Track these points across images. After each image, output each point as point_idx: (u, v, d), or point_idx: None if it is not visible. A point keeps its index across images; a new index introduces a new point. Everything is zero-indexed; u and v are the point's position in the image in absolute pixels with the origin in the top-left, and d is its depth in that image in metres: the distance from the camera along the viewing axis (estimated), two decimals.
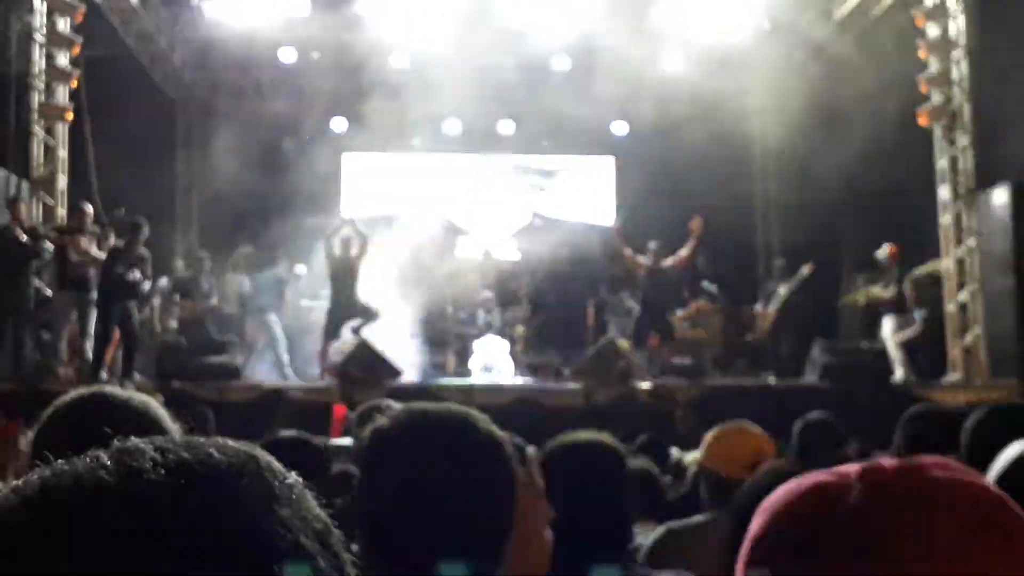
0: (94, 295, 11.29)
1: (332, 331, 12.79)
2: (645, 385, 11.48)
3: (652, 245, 13.89)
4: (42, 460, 1.45)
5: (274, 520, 0.65)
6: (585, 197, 19.13)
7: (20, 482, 0.64)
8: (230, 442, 0.69)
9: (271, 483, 0.67)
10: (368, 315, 12.77)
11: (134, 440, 0.67)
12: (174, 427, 1.72)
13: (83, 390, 1.75)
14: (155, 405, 1.72)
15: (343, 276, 13.05)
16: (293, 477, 0.69)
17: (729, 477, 3.44)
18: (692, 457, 3.76)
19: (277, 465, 0.69)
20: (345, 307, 12.87)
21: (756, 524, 0.85)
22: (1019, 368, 11.60)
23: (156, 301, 13.52)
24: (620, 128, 18.31)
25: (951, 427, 2.96)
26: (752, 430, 3.71)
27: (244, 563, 0.62)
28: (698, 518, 3.43)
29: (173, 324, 13.66)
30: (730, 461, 3.47)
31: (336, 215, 14.10)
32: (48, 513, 0.61)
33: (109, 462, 0.65)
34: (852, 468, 0.82)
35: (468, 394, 11.42)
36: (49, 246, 11.55)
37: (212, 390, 10.80)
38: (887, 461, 0.82)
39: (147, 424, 1.65)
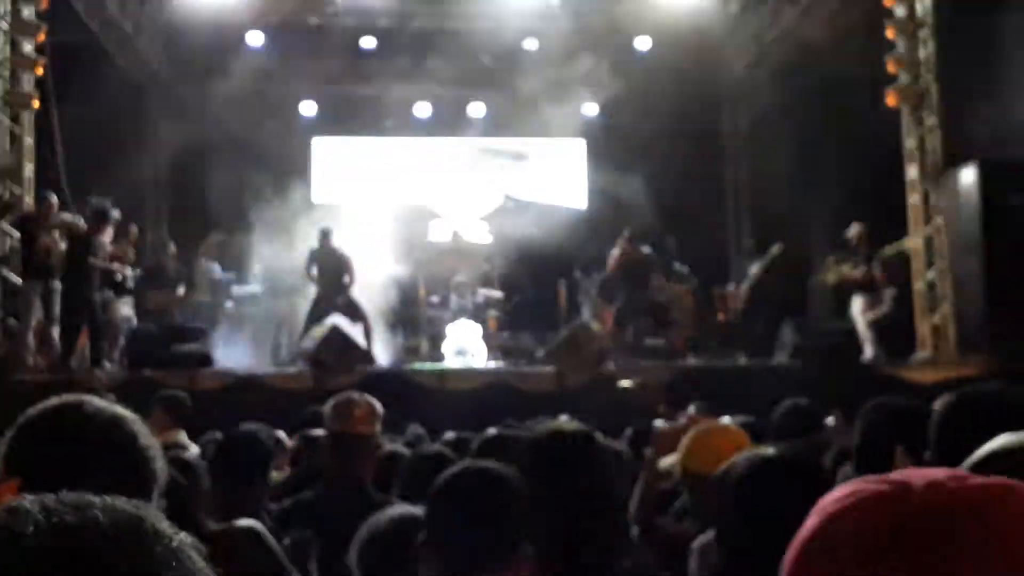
0: (59, 284, 11.21)
1: (314, 321, 12.72)
2: (627, 382, 11.44)
3: (626, 232, 14.00)
4: (12, 473, 1.45)
5: None
6: (556, 179, 19.14)
7: None
8: (120, 502, 0.70)
9: (153, 547, 0.67)
10: (355, 315, 12.69)
11: (25, 500, 0.68)
12: (152, 442, 1.68)
13: (55, 401, 1.69)
14: (130, 419, 1.67)
15: (330, 271, 13.07)
16: (180, 539, 0.70)
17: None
18: (669, 460, 3.66)
19: (165, 527, 0.70)
20: (330, 302, 12.83)
21: (809, 526, 0.83)
22: (987, 345, 11.72)
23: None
24: (590, 109, 18.29)
25: (914, 419, 2.95)
26: (731, 427, 3.66)
27: None
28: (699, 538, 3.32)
29: (127, 312, 13.40)
30: (715, 460, 3.40)
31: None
32: None
33: None
34: (912, 477, 0.81)
35: (441, 378, 11.43)
36: (15, 234, 11.48)
37: (183, 378, 10.72)
38: (946, 474, 0.81)
39: (118, 439, 1.63)
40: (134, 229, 13.33)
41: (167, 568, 0.67)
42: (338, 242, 13.58)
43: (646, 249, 13.96)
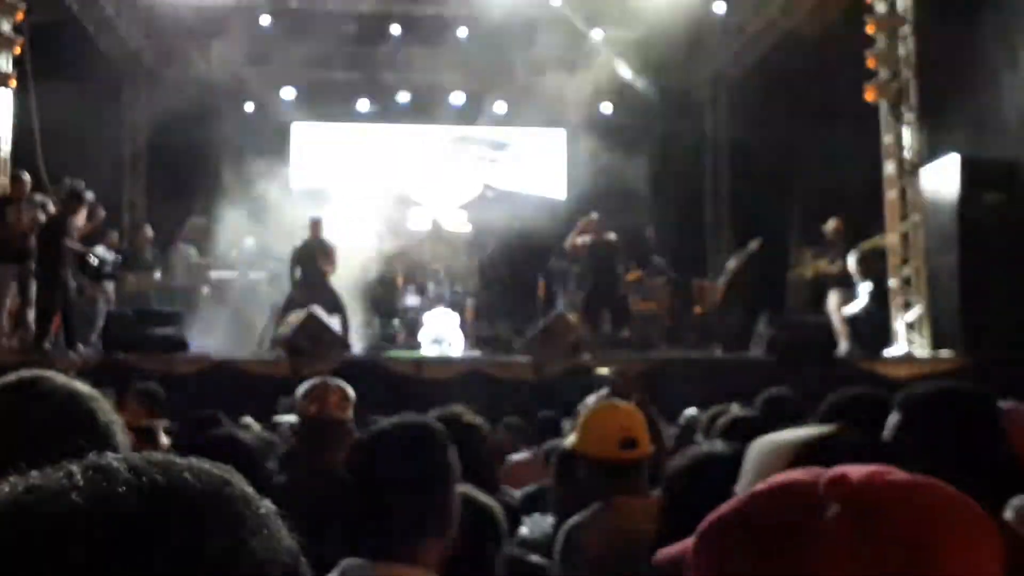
0: (34, 265, 11.12)
1: (290, 310, 12.63)
2: (603, 370, 11.41)
3: (594, 215, 14.00)
4: None
5: (243, 551, 0.65)
6: (536, 169, 19.13)
7: None
8: (205, 465, 0.69)
9: (243, 512, 0.67)
10: (334, 308, 12.61)
11: (109, 456, 0.66)
12: (113, 418, 1.64)
13: (12, 377, 1.66)
14: (88, 395, 1.62)
15: (310, 263, 13.00)
16: (266, 506, 0.69)
17: (601, 458, 3.37)
18: (571, 440, 3.66)
19: (251, 492, 0.69)
20: (310, 292, 12.76)
21: (712, 516, 0.83)
22: (961, 341, 11.80)
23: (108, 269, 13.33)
24: (571, 100, 18.24)
25: (863, 407, 2.92)
26: (621, 406, 3.62)
27: None
28: (593, 508, 3.32)
29: (110, 295, 13.32)
30: (602, 441, 3.38)
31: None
32: (18, 532, 0.61)
33: (81, 480, 0.64)
34: (819, 474, 0.80)
35: (418, 367, 11.41)
36: None
37: (158, 362, 10.68)
38: (852, 469, 0.79)
39: (76, 415, 1.59)
40: (101, 212, 13.19)
41: (254, 535, 0.66)
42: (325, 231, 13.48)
43: (612, 235, 13.93)
